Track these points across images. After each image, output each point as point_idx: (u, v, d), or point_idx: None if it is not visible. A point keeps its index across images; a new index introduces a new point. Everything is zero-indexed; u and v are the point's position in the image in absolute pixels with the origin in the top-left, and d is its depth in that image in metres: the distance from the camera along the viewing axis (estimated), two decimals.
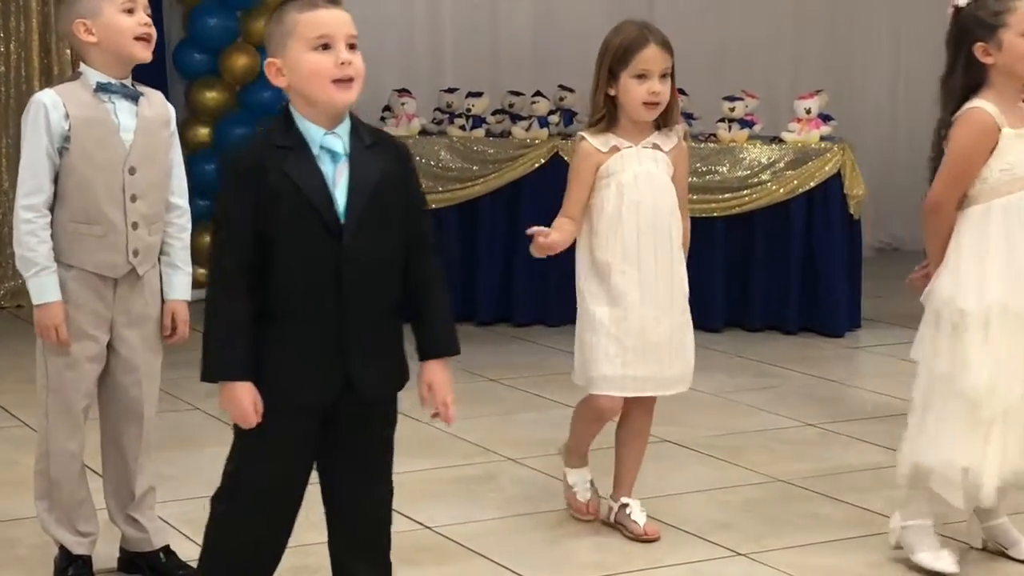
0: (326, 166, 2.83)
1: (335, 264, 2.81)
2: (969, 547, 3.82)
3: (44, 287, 3.43)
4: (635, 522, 3.98)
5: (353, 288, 2.82)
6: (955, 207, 3.64)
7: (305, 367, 2.84)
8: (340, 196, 2.82)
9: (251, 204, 2.79)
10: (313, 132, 2.84)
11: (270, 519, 2.93)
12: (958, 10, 3.66)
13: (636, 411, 3.98)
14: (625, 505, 4.02)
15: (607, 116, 3.86)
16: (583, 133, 3.91)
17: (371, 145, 2.88)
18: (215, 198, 2.93)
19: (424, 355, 2.95)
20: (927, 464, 3.63)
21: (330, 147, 2.84)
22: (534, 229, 3.79)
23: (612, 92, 3.83)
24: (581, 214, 3.88)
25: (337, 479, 2.96)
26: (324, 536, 3.99)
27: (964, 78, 3.63)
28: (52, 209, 3.45)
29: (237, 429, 2.90)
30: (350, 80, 2.83)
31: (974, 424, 3.56)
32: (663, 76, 3.80)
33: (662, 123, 3.89)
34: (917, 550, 3.71)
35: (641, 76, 3.78)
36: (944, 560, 3.67)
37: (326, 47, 2.82)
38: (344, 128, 2.87)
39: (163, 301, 3.61)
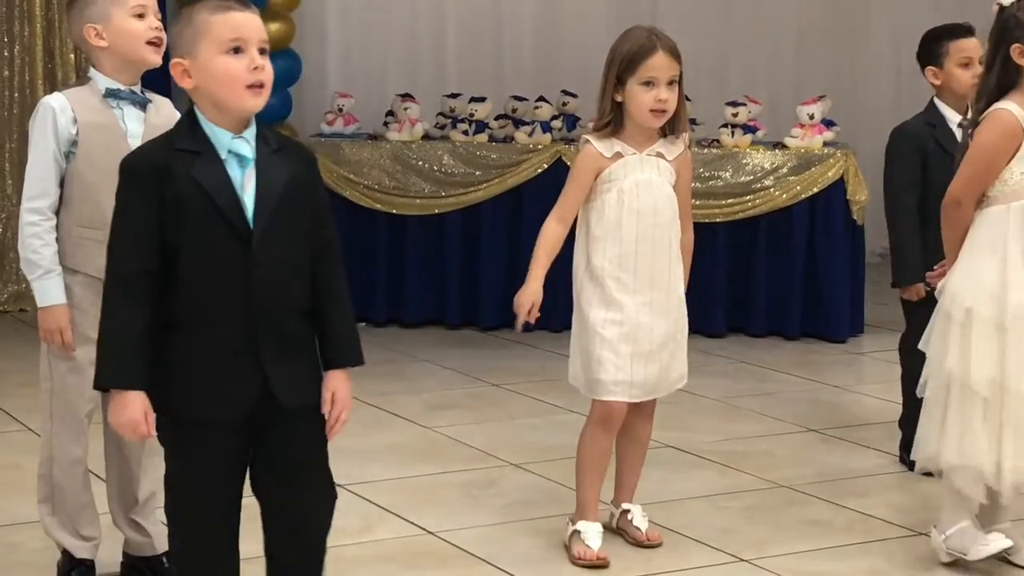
0: (234, 171, 2.76)
1: (244, 270, 2.74)
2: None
3: (48, 290, 3.44)
4: (637, 528, 3.98)
5: (263, 294, 2.76)
6: (973, 205, 3.67)
7: (218, 378, 2.76)
8: (248, 201, 2.76)
9: (156, 207, 2.72)
10: (220, 136, 2.77)
11: (206, 529, 2.85)
12: (1002, 8, 3.68)
13: (635, 417, 3.97)
14: (627, 511, 4.01)
15: (613, 122, 3.84)
16: (588, 136, 3.89)
17: (277, 150, 2.83)
18: None
19: (327, 364, 2.88)
20: (953, 462, 3.65)
21: (238, 151, 2.77)
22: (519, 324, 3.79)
23: (619, 98, 3.81)
24: (573, 217, 3.87)
25: (273, 498, 2.87)
26: None
27: (998, 77, 3.66)
28: (58, 213, 3.46)
29: (163, 443, 2.84)
30: (261, 86, 2.77)
31: (990, 421, 3.59)
32: (671, 83, 3.77)
33: (669, 130, 3.88)
34: (971, 549, 3.71)
35: (648, 83, 3.76)
36: (995, 541, 3.68)
37: (238, 50, 2.76)
38: (251, 133, 2.81)
39: None
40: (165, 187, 2.72)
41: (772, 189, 6.80)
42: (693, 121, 7.06)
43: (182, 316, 2.76)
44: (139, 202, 2.74)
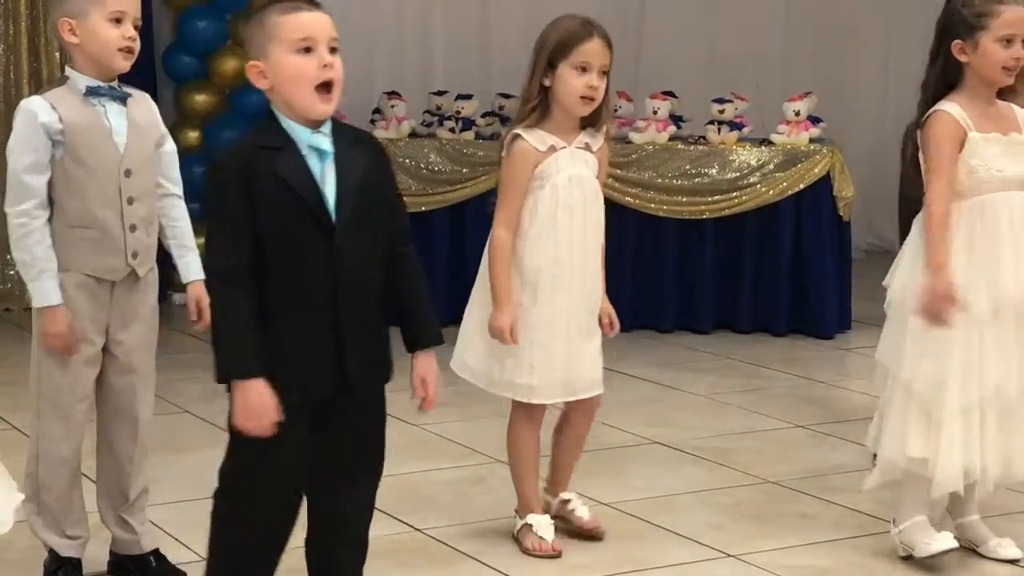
0: (314, 165, 2.86)
1: (329, 261, 2.84)
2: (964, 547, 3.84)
3: (46, 291, 3.41)
4: (580, 516, 3.98)
5: (346, 284, 2.85)
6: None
7: (303, 364, 2.86)
8: (329, 194, 2.85)
9: (246, 204, 2.80)
10: (299, 132, 2.86)
11: (266, 519, 2.94)
12: (948, 0, 3.68)
13: (576, 414, 3.96)
14: (567, 500, 4.01)
15: (539, 109, 3.77)
16: (518, 130, 3.80)
17: (353, 143, 2.92)
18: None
19: (413, 345, 3.00)
20: (891, 457, 3.69)
21: (318, 145, 2.87)
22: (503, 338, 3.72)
23: (547, 83, 3.77)
24: (517, 220, 3.78)
25: (331, 476, 2.97)
26: None
27: (942, 71, 3.65)
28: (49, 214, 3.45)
29: (233, 429, 2.90)
30: (331, 86, 2.85)
31: (927, 417, 3.62)
32: (602, 72, 3.75)
33: (591, 122, 3.83)
34: (918, 546, 3.72)
35: (581, 68, 3.73)
36: (940, 539, 3.69)
37: (308, 50, 2.84)
38: (327, 127, 2.90)
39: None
40: (252, 183, 2.80)
41: (759, 185, 6.81)
42: (679, 118, 7.09)
43: (269, 306, 2.84)
44: (231, 199, 2.81)
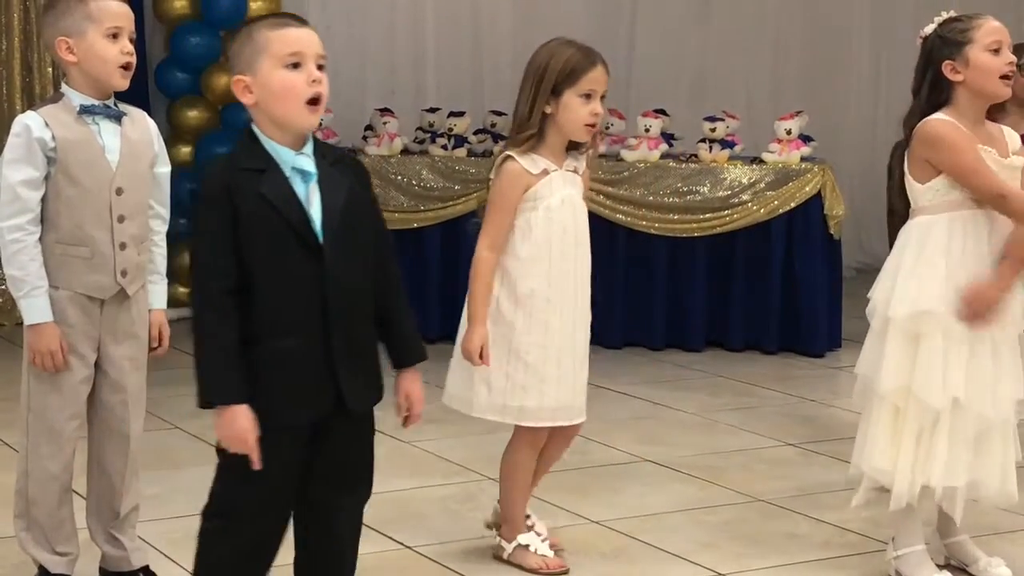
0: (298, 187, 2.84)
1: (318, 283, 2.83)
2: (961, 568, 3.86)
3: (36, 308, 3.41)
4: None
5: (336, 305, 2.84)
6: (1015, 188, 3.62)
7: (297, 388, 2.84)
8: (315, 216, 2.84)
9: (231, 227, 2.79)
10: (283, 153, 2.84)
11: (252, 542, 2.93)
12: (925, 38, 3.71)
13: (559, 440, 3.94)
14: (527, 515, 3.99)
15: (537, 134, 3.76)
16: (510, 152, 3.78)
17: (334, 163, 2.91)
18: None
19: (398, 364, 3.01)
20: (863, 469, 3.71)
21: (302, 167, 2.85)
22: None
23: (549, 110, 3.76)
24: (505, 241, 3.78)
25: (322, 494, 2.96)
26: None
27: (928, 97, 3.67)
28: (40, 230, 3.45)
29: (222, 451, 2.89)
30: (318, 100, 2.84)
31: (892, 429, 3.64)
32: (601, 98, 3.77)
33: (576, 145, 3.82)
34: None
35: (586, 96, 3.73)
36: None
37: (297, 65, 2.83)
38: (309, 148, 2.89)
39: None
40: (237, 206, 2.79)
41: (750, 204, 6.83)
42: (671, 136, 7.11)
43: (259, 330, 2.82)
44: (215, 222, 2.81)
